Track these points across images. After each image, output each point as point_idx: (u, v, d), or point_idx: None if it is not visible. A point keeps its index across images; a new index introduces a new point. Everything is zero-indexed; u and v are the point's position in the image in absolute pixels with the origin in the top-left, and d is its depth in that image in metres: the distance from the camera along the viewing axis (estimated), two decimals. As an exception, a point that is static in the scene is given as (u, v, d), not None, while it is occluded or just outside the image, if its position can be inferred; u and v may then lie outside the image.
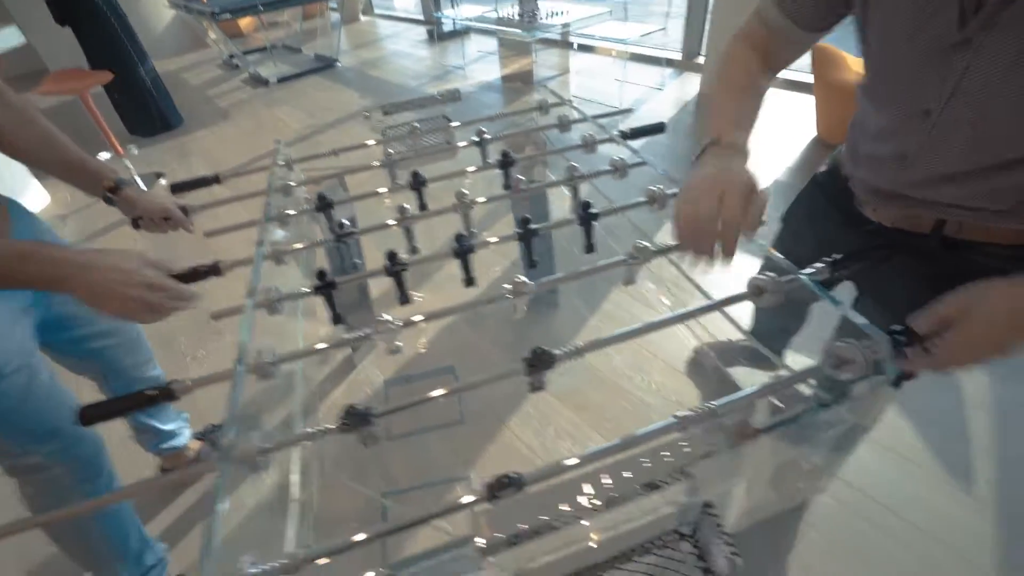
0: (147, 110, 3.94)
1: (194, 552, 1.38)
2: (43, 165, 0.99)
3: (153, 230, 1.08)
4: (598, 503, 0.45)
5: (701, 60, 3.93)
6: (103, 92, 3.56)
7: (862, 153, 0.78)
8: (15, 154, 0.97)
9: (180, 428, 1.49)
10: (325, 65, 5.29)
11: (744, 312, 1.01)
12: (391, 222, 0.95)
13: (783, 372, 0.59)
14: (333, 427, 0.56)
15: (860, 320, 0.60)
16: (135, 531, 1.18)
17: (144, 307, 0.71)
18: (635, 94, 3.78)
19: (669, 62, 4.10)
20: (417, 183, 1.05)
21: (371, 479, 1.51)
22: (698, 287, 0.95)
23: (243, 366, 0.60)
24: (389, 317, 0.65)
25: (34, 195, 3.19)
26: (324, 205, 1.02)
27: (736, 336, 0.95)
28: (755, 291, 0.69)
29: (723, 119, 0.69)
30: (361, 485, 1.49)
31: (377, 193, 1.10)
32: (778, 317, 1.09)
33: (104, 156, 3.44)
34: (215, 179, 1.20)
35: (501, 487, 0.48)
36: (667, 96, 3.72)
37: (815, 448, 0.63)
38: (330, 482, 1.42)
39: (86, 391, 1.21)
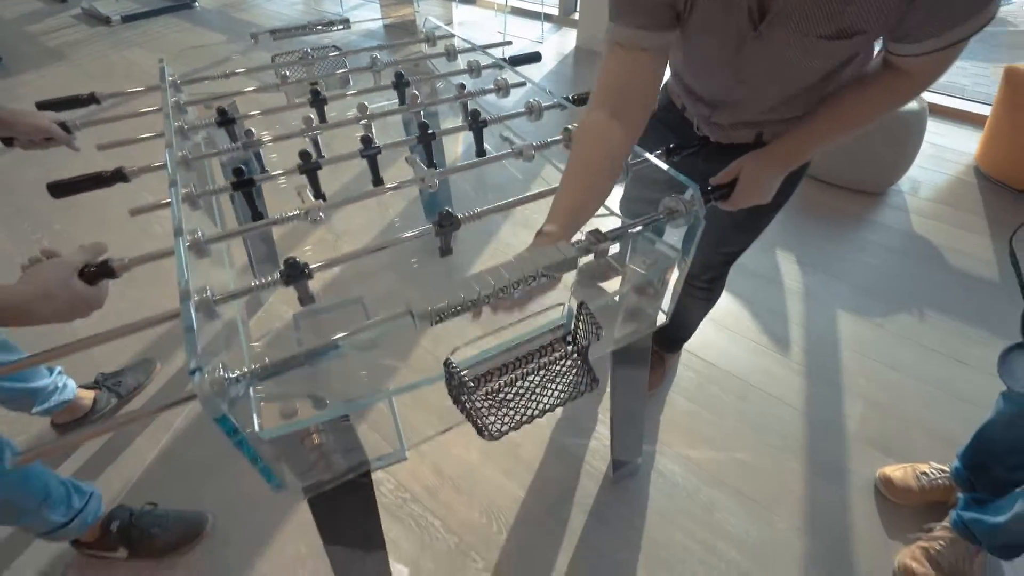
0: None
1: (120, 483, 1.38)
2: None
3: (30, 148, 1.04)
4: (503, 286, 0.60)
5: (576, 16, 4.15)
6: None
7: (690, 93, 0.94)
8: None
9: (59, 382, 1.39)
10: (180, 5, 4.75)
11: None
12: (296, 133, 1.01)
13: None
14: (277, 278, 0.66)
15: (681, 178, 0.82)
16: (52, 479, 1.09)
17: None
18: (516, 47, 3.91)
19: (547, 17, 4.27)
20: (318, 100, 1.11)
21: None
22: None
23: (183, 238, 0.67)
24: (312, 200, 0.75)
25: None
26: (225, 120, 1.04)
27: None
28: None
29: (558, 206, 0.71)
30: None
31: (277, 110, 1.15)
32: (641, 200, 1.29)
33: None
34: (92, 98, 1.15)
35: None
36: (546, 49, 3.91)
37: (654, 274, 0.87)
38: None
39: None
